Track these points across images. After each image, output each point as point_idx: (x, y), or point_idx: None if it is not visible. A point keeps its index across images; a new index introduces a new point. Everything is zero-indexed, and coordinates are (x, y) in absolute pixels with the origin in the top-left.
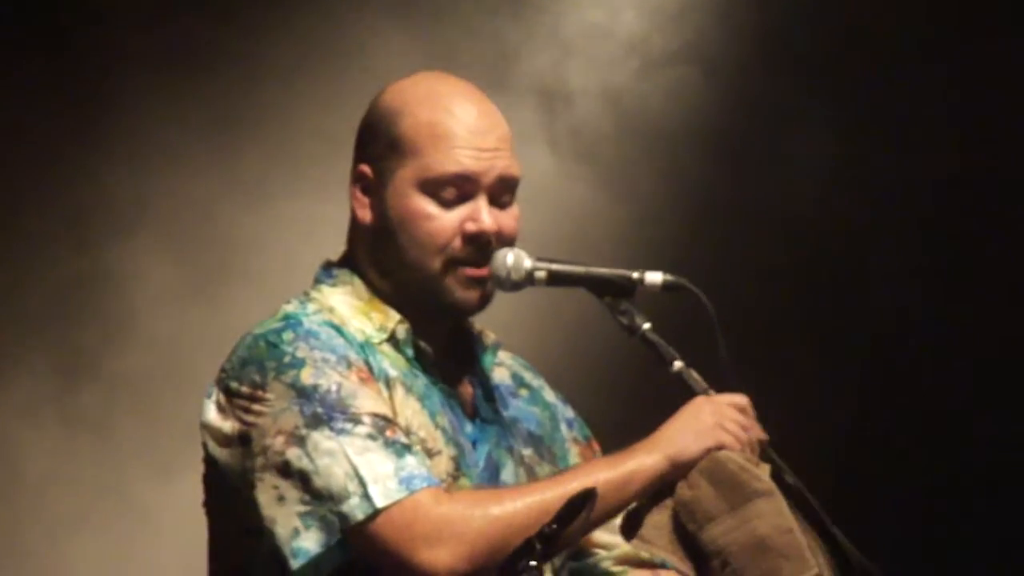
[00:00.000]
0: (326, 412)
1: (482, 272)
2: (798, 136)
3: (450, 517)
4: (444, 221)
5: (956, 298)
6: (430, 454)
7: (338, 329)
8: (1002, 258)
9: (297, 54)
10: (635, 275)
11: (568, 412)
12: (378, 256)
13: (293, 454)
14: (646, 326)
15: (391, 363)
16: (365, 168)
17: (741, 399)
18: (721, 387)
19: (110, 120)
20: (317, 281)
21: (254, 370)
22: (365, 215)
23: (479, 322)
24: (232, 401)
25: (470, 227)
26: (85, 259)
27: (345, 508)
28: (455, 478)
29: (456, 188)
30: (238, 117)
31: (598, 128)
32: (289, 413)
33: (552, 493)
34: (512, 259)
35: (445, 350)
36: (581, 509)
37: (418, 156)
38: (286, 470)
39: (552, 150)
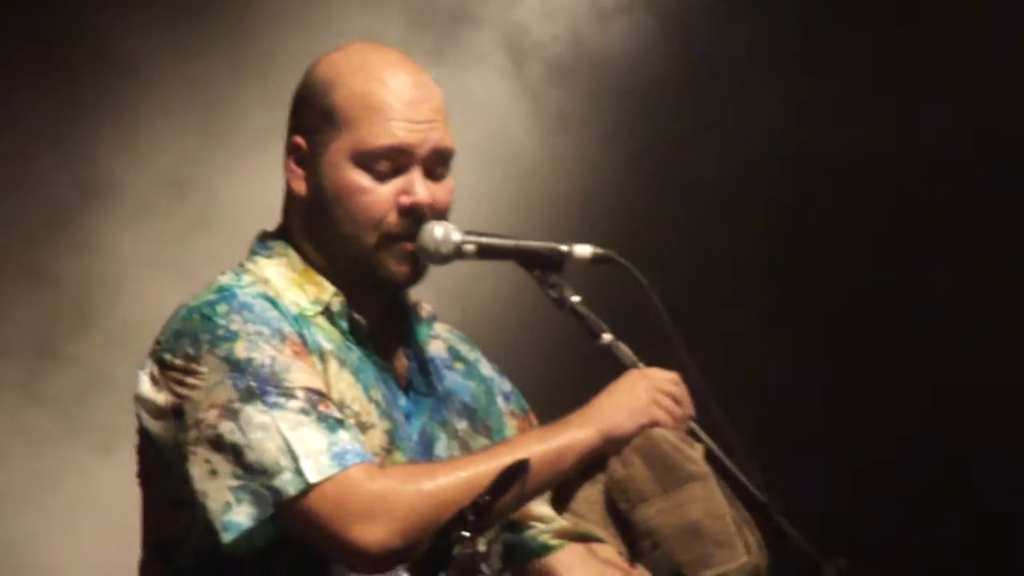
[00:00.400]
0: (259, 386)
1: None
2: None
3: (382, 493)
4: (379, 194)
5: (910, 271)
6: (364, 428)
7: (272, 302)
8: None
9: (274, 24)
10: (564, 248)
11: (505, 385)
12: (313, 228)
13: (226, 428)
14: (575, 299)
15: (325, 336)
16: (299, 140)
17: (673, 375)
18: (663, 360)
19: (78, 96)
20: (252, 253)
21: (188, 343)
22: (300, 187)
23: (415, 294)
24: (166, 374)
25: (404, 200)
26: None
27: (277, 483)
28: (388, 452)
29: (390, 161)
30: (210, 96)
31: (554, 81)
32: (222, 387)
33: (485, 467)
34: (441, 232)
35: (380, 323)
36: (514, 481)
37: (352, 128)
38: (219, 444)
39: (510, 107)
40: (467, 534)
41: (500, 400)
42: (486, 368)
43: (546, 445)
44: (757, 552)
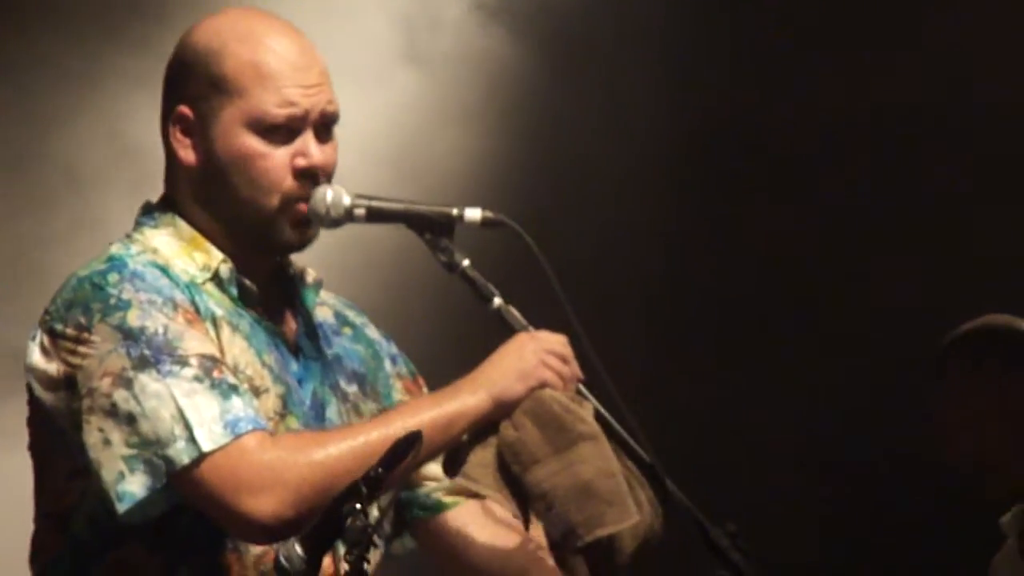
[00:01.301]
0: (153, 354)
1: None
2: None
3: (273, 464)
4: (276, 159)
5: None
6: (257, 392)
7: (163, 270)
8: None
9: None
10: (455, 211)
11: (392, 348)
12: (204, 196)
13: (120, 396)
14: (465, 263)
15: (216, 302)
16: (184, 109)
17: (560, 337)
18: (552, 324)
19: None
20: (138, 224)
21: (79, 312)
22: (188, 156)
23: (300, 260)
24: (57, 343)
25: (300, 162)
26: None
27: (171, 452)
28: (282, 416)
29: (285, 123)
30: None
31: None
32: (116, 355)
33: (376, 434)
34: (331, 196)
35: (268, 288)
36: (407, 453)
37: (245, 96)
38: (113, 412)
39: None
40: (359, 506)
41: (388, 363)
42: (373, 332)
43: (437, 411)
44: (650, 511)
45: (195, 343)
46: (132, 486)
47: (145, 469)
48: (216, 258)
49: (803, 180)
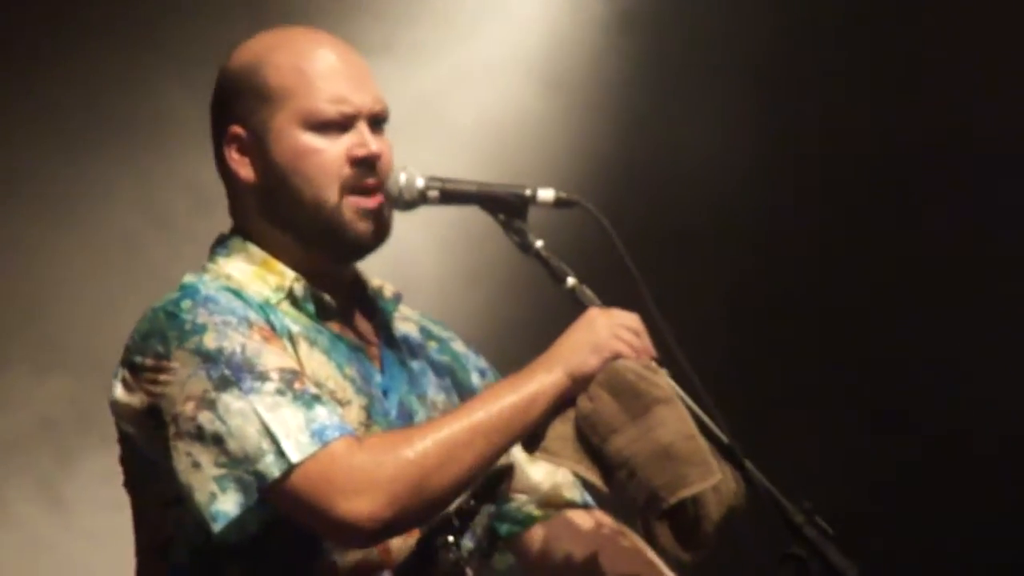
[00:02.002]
0: (233, 373)
1: (376, 201)
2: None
3: (365, 466)
4: (332, 151)
5: (861, 263)
6: (340, 404)
7: (236, 293)
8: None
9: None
10: (527, 192)
11: (480, 362)
12: (270, 210)
13: (205, 418)
14: (539, 243)
15: (292, 320)
16: (236, 129)
17: (632, 314)
18: (627, 304)
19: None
20: (212, 254)
21: (156, 341)
22: (248, 173)
23: (380, 277)
24: (137, 376)
25: (358, 151)
26: None
27: (261, 467)
28: (367, 427)
29: (339, 119)
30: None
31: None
32: (196, 379)
33: (459, 425)
34: (404, 178)
35: (347, 303)
36: (499, 485)
37: (293, 99)
38: (199, 435)
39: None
40: (451, 538)
41: (475, 376)
42: (460, 346)
43: (516, 395)
44: (731, 477)
45: (273, 358)
46: (225, 505)
47: (236, 487)
48: (289, 277)
49: (893, 178)
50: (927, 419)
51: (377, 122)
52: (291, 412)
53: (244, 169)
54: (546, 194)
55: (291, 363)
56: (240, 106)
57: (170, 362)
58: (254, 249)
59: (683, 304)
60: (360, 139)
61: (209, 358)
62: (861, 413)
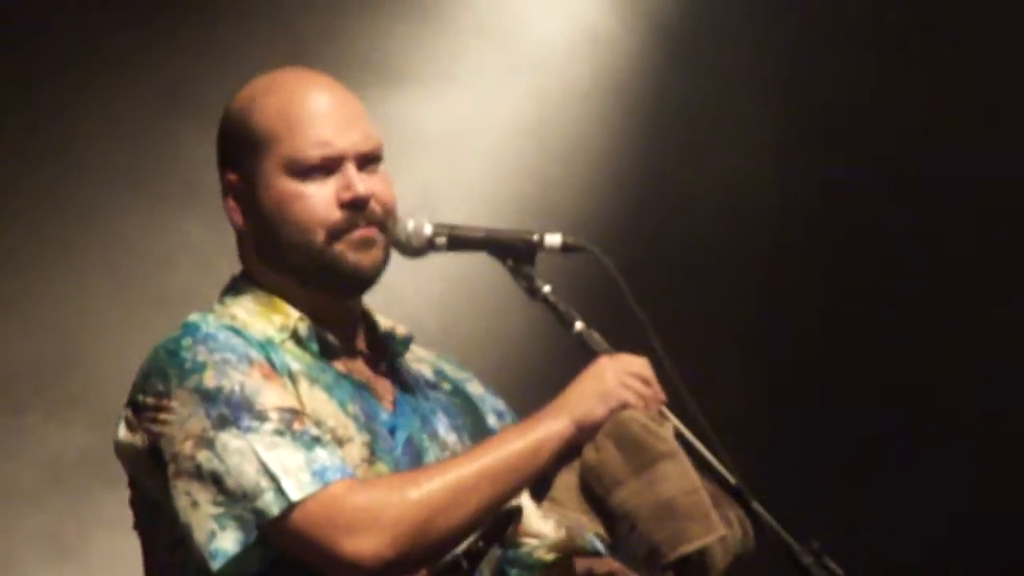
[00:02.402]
0: (232, 412)
1: (368, 232)
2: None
3: (368, 505)
4: (318, 196)
5: (899, 275)
6: (341, 442)
7: (237, 331)
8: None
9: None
10: (535, 237)
11: (499, 404)
12: (266, 255)
13: (203, 457)
14: (546, 288)
15: (294, 358)
16: (231, 176)
17: (641, 359)
18: (635, 348)
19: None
20: (221, 296)
21: (157, 380)
22: (240, 220)
23: (391, 317)
24: (139, 415)
25: (345, 195)
26: None
27: (260, 504)
28: (370, 463)
29: (322, 164)
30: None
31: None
32: (195, 417)
33: (467, 469)
34: (412, 225)
35: (354, 341)
36: (507, 526)
37: (277, 143)
38: (198, 474)
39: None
40: None
41: (492, 418)
42: (476, 388)
43: (523, 441)
44: (739, 527)
45: (273, 396)
46: (224, 543)
47: (236, 525)
48: (292, 317)
49: (918, 182)
50: (948, 456)
51: (368, 160)
52: (290, 452)
53: (237, 216)
54: (553, 239)
55: (291, 402)
56: (233, 153)
57: (170, 401)
58: (259, 291)
59: (693, 343)
60: (346, 181)
61: (208, 397)
62: (874, 449)
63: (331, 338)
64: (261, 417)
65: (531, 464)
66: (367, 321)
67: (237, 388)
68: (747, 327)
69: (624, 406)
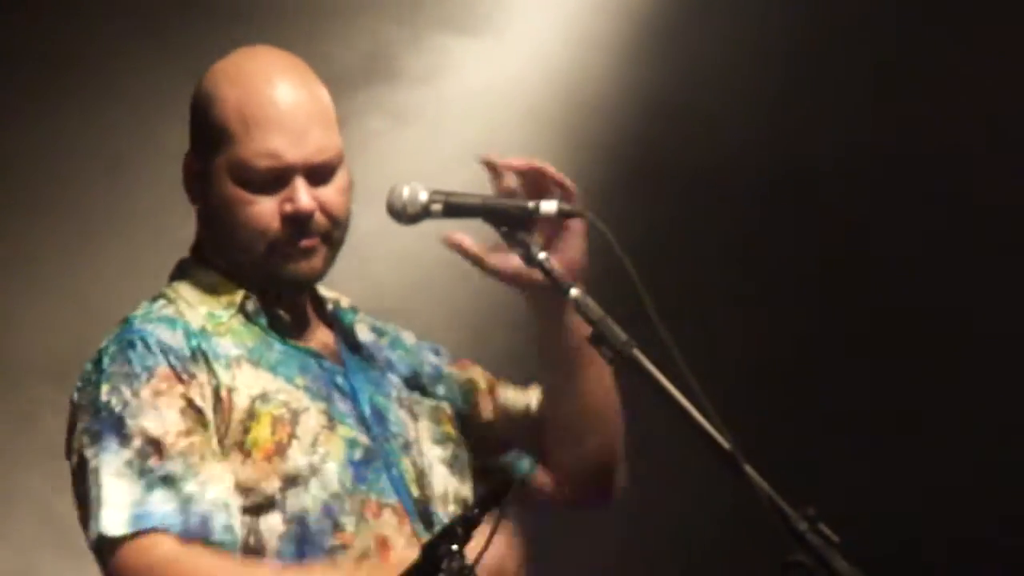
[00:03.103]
0: (103, 430)
1: (309, 242)
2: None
3: (161, 569)
4: (262, 206)
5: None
6: (296, 413)
7: (172, 321)
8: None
9: None
10: (530, 204)
11: (427, 343)
12: (215, 239)
13: (79, 477)
14: (542, 255)
15: (235, 342)
16: (190, 157)
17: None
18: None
19: None
20: (170, 279)
21: (82, 386)
22: (196, 202)
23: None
24: (69, 417)
25: (287, 208)
26: None
27: (90, 525)
28: (331, 428)
29: (270, 175)
30: None
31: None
32: (80, 432)
33: None
34: (407, 192)
35: (305, 317)
36: (504, 495)
37: (229, 145)
38: (75, 492)
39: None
40: (455, 547)
41: (431, 355)
42: (408, 338)
43: None
44: None
45: (149, 422)
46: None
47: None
48: (239, 294)
49: (935, 177)
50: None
51: (321, 172)
52: (127, 487)
53: (193, 197)
54: (549, 207)
55: (167, 428)
56: (195, 133)
57: (79, 410)
58: (204, 271)
59: (689, 311)
60: (292, 193)
61: (96, 410)
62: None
63: (280, 312)
64: (124, 441)
65: None
66: (314, 296)
67: (118, 407)
68: (743, 288)
69: None
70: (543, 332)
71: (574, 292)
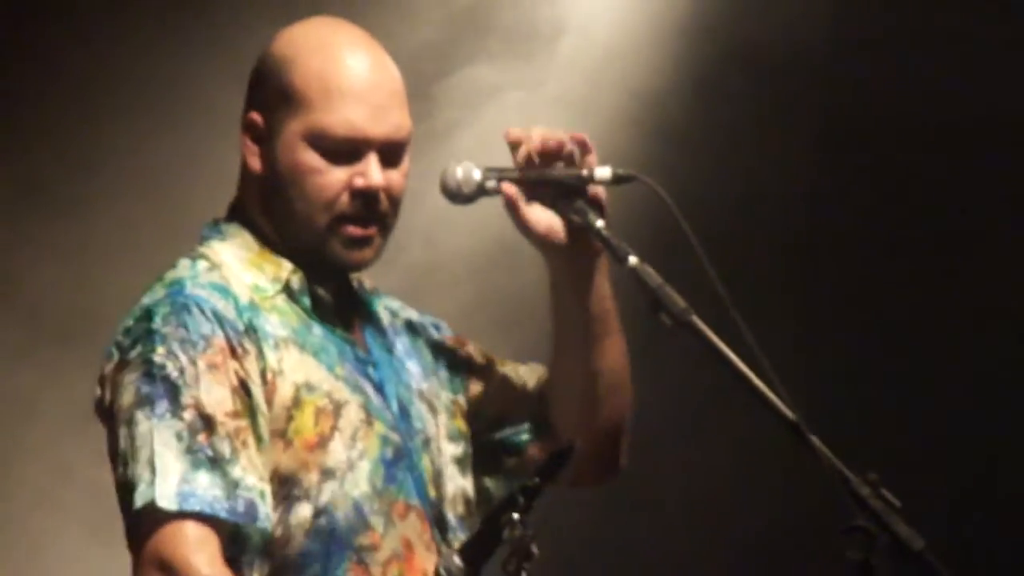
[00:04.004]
0: (156, 394)
1: (368, 232)
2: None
3: (179, 564)
4: (332, 176)
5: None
6: (339, 405)
7: (223, 289)
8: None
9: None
10: (584, 172)
11: (427, 318)
12: (269, 206)
13: (123, 434)
14: (599, 223)
15: (282, 321)
16: (255, 116)
17: None
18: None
19: None
20: (204, 238)
21: (129, 341)
22: (256, 164)
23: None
24: (106, 372)
25: (359, 182)
26: None
27: (137, 491)
28: (368, 424)
29: (347, 146)
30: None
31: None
32: (131, 389)
33: None
34: (461, 172)
35: (338, 298)
36: (564, 464)
37: (308, 110)
38: (114, 451)
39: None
40: (516, 516)
41: (433, 333)
42: (413, 315)
43: None
44: None
45: (204, 395)
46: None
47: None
48: (286, 269)
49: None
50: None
51: (393, 152)
52: (174, 459)
53: (253, 159)
54: (603, 172)
55: (220, 404)
56: (264, 96)
57: (127, 367)
58: (250, 237)
59: (748, 277)
60: (365, 169)
61: (149, 372)
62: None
63: (322, 292)
64: (176, 411)
65: None
66: (347, 279)
67: (174, 373)
68: (804, 255)
69: None
70: (563, 297)
71: (633, 260)
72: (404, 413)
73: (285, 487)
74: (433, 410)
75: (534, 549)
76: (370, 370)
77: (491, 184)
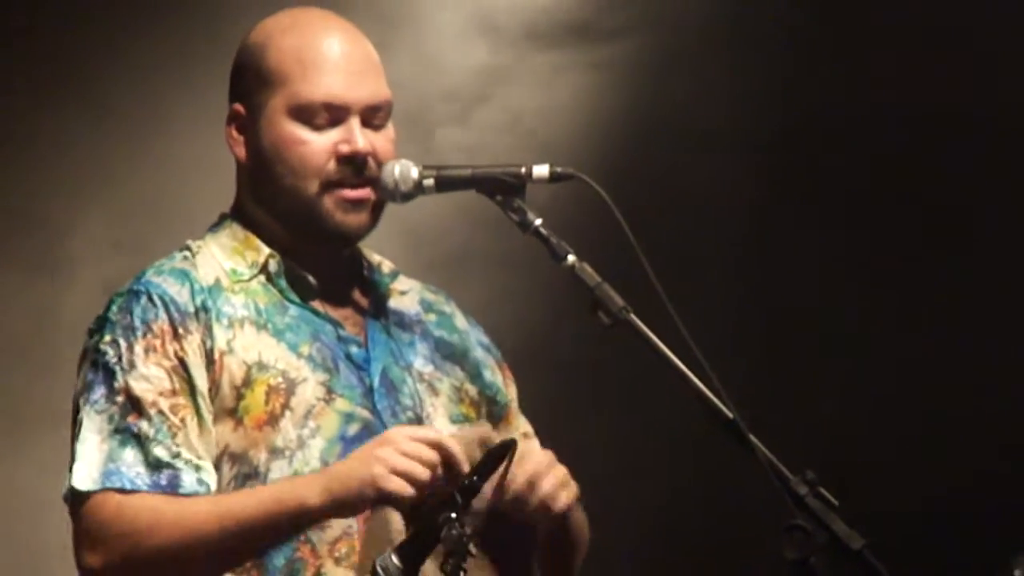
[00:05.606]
0: (95, 380)
1: (361, 193)
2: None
3: (108, 530)
4: (317, 144)
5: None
6: (293, 383)
7: (182, 275)
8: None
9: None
10: (522, 170)
11: (483, 337)
12: (258, 191)
13: (73, 418)
14: (538, 222)
15: (246, 302)
16: (238, 107)
17: (432, 437)
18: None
19: None
20: (207, 232)
21: (93, 328)
22: (241, 153)
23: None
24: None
25: (344, 148)
26: None
27: (69, 476)
28: (327, 401)
29: (327, 113)
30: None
31: None
32: (82, 378)
33: (211, 527)
34: (399, 170)
35: (334, 279)
36: (501, 460)
37: (287, 84)
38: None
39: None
40: (454, 515)
41: (479, 351)
42: (461, 321)
43: (272, 502)
44: None
45: (135, 380)
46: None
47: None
48: (263, 253)
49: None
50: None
51: (375, 116)
52: (100, 441)
53: (238, 148)
54: (541, 170)
55: (154, 385)
56: (244, 85)
57: (85, 355)
58: (237, 227)
59: (686, 274)
60: (348, 135)
61: (95, 360)
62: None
63: (304, 275)
64: (111, 396)
65: (274, 527)
66: (355, 258)
67: (113, 360)
68: (743, 251)
69: (386, 496)
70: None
71: (571, 259)
72: (390, 390)
73: (236, 465)
74: (433, 391)
75: (472, 549)
76: (352, 348)
77: (428, 182)
